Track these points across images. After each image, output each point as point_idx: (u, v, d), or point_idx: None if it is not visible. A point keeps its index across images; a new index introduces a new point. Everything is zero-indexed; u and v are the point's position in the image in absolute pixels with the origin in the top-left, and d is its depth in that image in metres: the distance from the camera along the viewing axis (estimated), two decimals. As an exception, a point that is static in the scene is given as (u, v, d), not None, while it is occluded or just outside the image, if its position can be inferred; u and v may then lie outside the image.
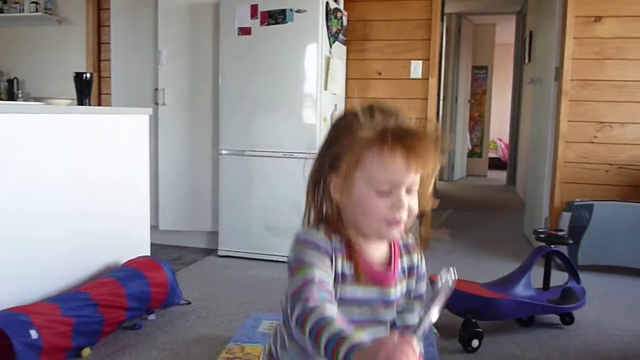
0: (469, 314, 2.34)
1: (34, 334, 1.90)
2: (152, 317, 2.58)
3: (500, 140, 10.19)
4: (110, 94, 4.08)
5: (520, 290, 2.45)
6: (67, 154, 2.40)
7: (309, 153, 3.49)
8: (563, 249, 3.03)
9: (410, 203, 1.01)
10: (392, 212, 1.00)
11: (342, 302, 1.04)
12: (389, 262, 1.11)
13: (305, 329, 0.89)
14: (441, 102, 7.21)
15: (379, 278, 1.08)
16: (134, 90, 3.99)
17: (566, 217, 3.53)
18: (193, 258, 3.70)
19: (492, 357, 2.28)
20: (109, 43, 4.17)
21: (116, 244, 2.76)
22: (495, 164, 9.76)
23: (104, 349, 2.25)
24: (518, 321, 2.59)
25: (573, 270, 2.66)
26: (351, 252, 1.05)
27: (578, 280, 2.67)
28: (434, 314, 0.85)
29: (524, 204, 4.93)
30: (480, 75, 9.31)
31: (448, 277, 0.87)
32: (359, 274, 1.04)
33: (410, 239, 1.12)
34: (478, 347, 2.32)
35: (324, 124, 3.55)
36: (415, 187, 1.01)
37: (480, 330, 2.32)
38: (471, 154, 9.24)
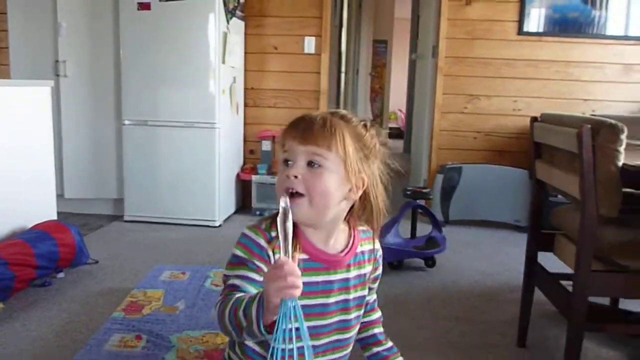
0: (345, 259, 2.73)
1: (-52, 288, 2.09)
2: (61, 275, 2.78)
3: (400, 110, 10.79)
4: (8, 65, 4.10)
5: (390, 238, 2.89)
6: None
7: (209, 123, 3.75)
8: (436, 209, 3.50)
9: (309, 178, 1.02)
10: (285, 181, 1.04)
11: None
12: (344, 247, 1.13)
13: (225, 322, 0.97)
14: (342, 75, 7.60)
15: (325, 259, 1.09)
16: (34, 62, 4.03)
17: (439, 178, 4.02)
18: (99, 224, 3.88)
19: (364, 295, 2.70)
20: (5, 13, 4.16)
21: (23, 210, 2.91)
22: (396, 133, 10.35)
23: (16, 303, 2.45)
24: (389, 265, 3.03)
25: (435, 221, 3.13)
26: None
27: (440, 230, 3.14)
28: (289, 231, 0.93)
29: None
30: (381, 49, 9.80)
31: (285, 201, 0.96)
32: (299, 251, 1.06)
33: (364, 227, 1.15)
34: (353, 287, 2.72)
35: (223, 96, 3.81)
36: (323, 164, 1.03)
37: (355, 273, 2.72)
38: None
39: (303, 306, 0.92)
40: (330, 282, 1.09)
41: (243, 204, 4.38)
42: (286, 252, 0.92)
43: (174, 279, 2.65)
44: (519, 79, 4.22)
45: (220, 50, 3.73)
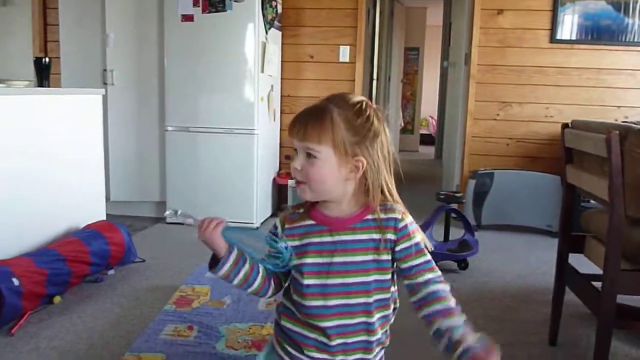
0: (380, 260, 2.85)
1: (15, 281, 2.27)
2: (111, 272, 2.96)
3: (431, 117, 10.85)
4: (59, 74, 4.33)
5: (424, 241, 2.98)
6: (32, 131, 2.73)
7: (248, 129, 3.91)
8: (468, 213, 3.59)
9: (307, 168, 1.14)
10: (292, 171, 1.19)
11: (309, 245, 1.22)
12: (348, 213, 1.21)
13: None
14: (374, 82, 7.71)
15: (328, 222, 1.20)
16: (83, 71, 4.26)
17: (472, 184, 4.10)
18: (143, 225, 4.07)
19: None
20: (56, 25, 4.39)
21: (75, 211, 3.11)
22: (427, 139, 10.42)
23: (72, 297, 2.63)
24: (423, 267, 3.12)
25: (468, 225, 3.22)
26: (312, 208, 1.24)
27: (472, 234, 3.22)
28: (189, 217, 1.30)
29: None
30: (412, 56, 9.87)
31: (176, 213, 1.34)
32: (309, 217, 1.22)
33: (391, 205, 1.21)
34: (388, 287, 2.83)
35: (261, 103, 3.97)
36: (316, 156, 1.13)
37: (390, 273, 2.83)
38: (403, 130, 9.84)
39: (312, 264, 1.19)
40: (334, 242, 1.19)
41: (279, 207, 4.52)
42: (194, 218, 1.31)
43: (218, 276, 2.79)
44: (551, 86, 4.27)
45: (259, 59, 3.88)
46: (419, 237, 1.21)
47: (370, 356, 1.24)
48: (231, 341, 2.04)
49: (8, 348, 2.12)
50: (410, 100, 9.97)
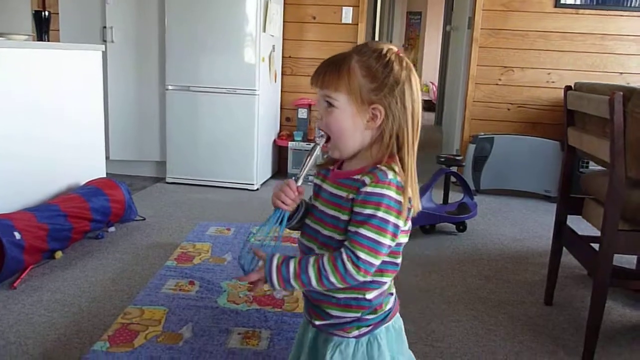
0: (380, 221, 2.86)
1: (17, 235, 2.29)
2: (112, 229, 2.98)
3: (432, 83, 10.76)
4: (57, 30, 4.27)
5: (423, 203, 2.99)
6: (31, 87, 2.71)
7: (250, 90, 3.89)
8: (468, 178, 3.61)
9: (326, 117, 1.11)
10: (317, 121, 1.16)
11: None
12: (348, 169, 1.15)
13: None
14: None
15: (332, 176, 1.16)
16: (82, 28, 4.20)
17: (471, 148, 4.10)
18: (143, 185, 4.07)
19: (397, 255, 2.83)
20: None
21: (76, 168, 3.11)
22: (428, 106, 10.35)
23: (74, 253, 2.66)
24: (422, 229, 3.15)
25: (467, 188, 3.24)
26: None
27: (471, 197, 3.24)
28: (308, 163, 1.14)
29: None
30: (415, 21, 9.77)
31: (318, 139, 1.14)
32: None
33: (379, 173, 1.06)
34: (386, 248, 2.85)
35: (263, 63, 3.93)
36: (334, 104, 1.09)
37: (388, 234, 2.85)
38: (404, 96, 9.77)
39: (310, 204, 1.17)
40: (321, 189, 1.16)
41: (279, 169, 4.53)
42: (298, 178, 1.12)
43: (219, 234, 2.82)
44: (554, 52, 4.24)
45: (261, 18, 3.83)
46: (378, 212, 1.03)
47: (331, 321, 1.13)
48: (233, 296, 2.07)
49: (11, 300, 2.15)
50: (411, 65, 9.88)
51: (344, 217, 1.07)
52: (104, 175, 3.38)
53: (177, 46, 3.93)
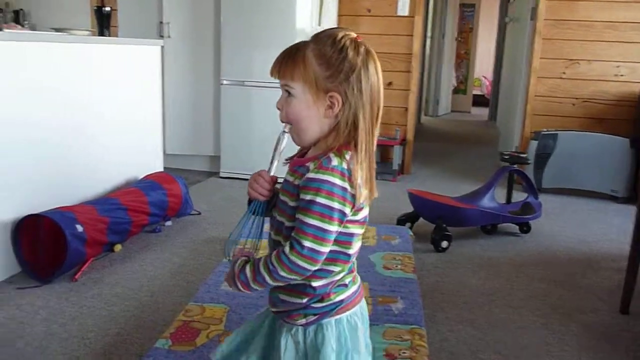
0: (440, 219, 2.77)
1: (79, 227, 2.30)
2: (168, 223, 2.99)
3: (484, 77, 10.50)
4: (116, 26, 4.33)
5: (485, 202, 2.89)
6: (93, 81, 2.73)
7: (304, 84, 3.83)
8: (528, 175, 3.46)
9: (286, 107, 1.10)
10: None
11: None
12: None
13: None
14: (428, 40, 7.48)
15: (291, 165, 1.15)
16: (139, 23, 4.24)
17: (533, 145, 3.94)
18: (197, 179, 4.09)
19: (458, 256, 2.73)
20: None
21: (135, 162, 3.13)
22: (479, 100, 10.11)
23: (132, 246, 2.67)
24: (483, 229, 3.04)
25: (532, 187, 3.10)
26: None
27: (536, 196, 3.10)
28: (276, 153, 1.13)
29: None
30: (468, 13, 9.51)
31: (282, 132, 1.13)
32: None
33: (324, 160, 1.05)
34: (447, 248, 2.76)
35: (318, 57, 3.87)
36: (292, 93, 1.08)
37: (449, 233, 2.76)
38: (456, 90, 9.58)
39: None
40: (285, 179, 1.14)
41: (331, 165, 4.47)
42: (269, 169, 1.13)
43: (275, 231, 2.78)
44: (623, 43, 4.02)
45: (316, 11, 3.78)
46: (317, 197, 1.02)
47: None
48: (292, 295, 2.03)
49: (72, 293, 2.17)
50: (464, 59, 9.65)
51: (292, 204, 1.08)
52: (161, 169, 3.39)
53: (232, 41, 3.91)
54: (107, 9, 2.94)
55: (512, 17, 5.02)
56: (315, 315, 1.10)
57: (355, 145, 1.05)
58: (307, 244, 1.00)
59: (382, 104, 1.09)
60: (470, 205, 2.85)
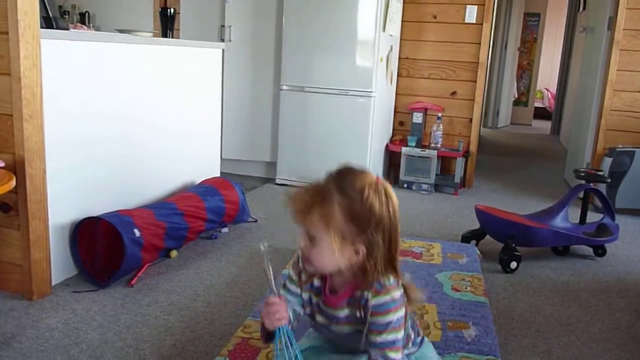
0: (509, 239, 2.60)
1: (137, 232, 2.26)
2: (225, 230, 2.92)
3: (547, 89, 10.13)
4: (179, 29, 4.34)
5: (558, 221, 2.70)
6: (157, 82, 2.70)
7: (366, 91, 3.73)
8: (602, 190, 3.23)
9: (309, 250, 1.19)
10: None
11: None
12: (341, 291, 1.28)
13: None
14: (490, 49, 7.24)
15: (328, 301, 1.29)
16: (201, 26, 4.24)
17: (607, 162, 3.70)
18: (253, 185, 4.03)
19: (527, 277, 2.55)
20: (177, -20, 4.40)
21: (193, 166, 3.09)
22: (541, 113, 9.75)
23: (188, 253, 2.62)
24: (554, 250, 2.84)
25: (609, 208, 2.88)
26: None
27: (613, 217, 2.89)
28: (269, 273, 1.23)
29: (567, 152, 5.07)
30: (532, 23, 9.19)
31: (263, 245, 1.26)
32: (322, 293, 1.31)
33: (376, 284, 1.21)
34: (516, 269, 2.59)
35: (380, 64, 3.76)
36: (316, 239, 1.17)
37: (519, 253, 2.59)
38: (517, 102, 9.26)
39: (317, 321, 1.34)
40: (329, 315, 1.31)
41: (387, 175, 4.34)
42: (272, 290, 1.24)
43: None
44: None
45: (381, 17, 3.67)
46: (391, 316, 1.20)
47: None
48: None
49: (128, 299, 2.12)
50: (526, 69, 9.32)
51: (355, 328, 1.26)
52: (219, 174, 3.34)
53: (293, 46, 3.84)
54: (172, 10, 2.91)
55: (587, 27, 4.76)
56: None
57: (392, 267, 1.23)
58: (392, 355, 1.20)
59: (399, 227, 1.22)
60: (542, 224, 2.66)
